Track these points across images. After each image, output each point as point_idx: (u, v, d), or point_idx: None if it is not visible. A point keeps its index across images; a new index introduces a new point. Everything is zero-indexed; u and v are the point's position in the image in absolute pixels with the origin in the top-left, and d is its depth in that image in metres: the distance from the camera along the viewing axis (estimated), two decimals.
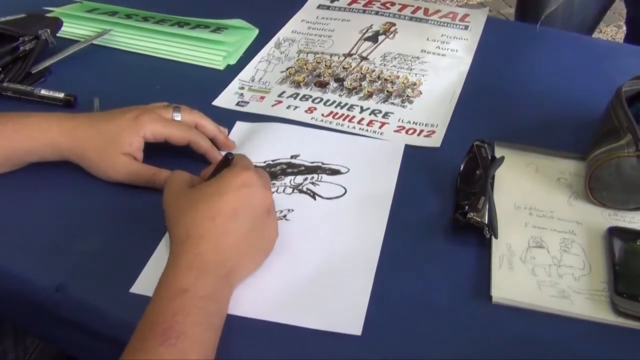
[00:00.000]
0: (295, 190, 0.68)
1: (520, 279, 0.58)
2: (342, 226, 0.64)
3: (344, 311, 0.55)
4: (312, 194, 0.68)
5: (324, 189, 0.68)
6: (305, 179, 0.70)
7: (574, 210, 0.66)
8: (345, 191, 0.68)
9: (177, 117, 0.70)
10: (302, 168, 0.71)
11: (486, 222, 0.60)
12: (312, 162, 0.72)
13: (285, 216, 0.65)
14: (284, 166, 0.71)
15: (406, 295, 0.57)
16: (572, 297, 0.56)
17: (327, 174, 0.70)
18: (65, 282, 0.58)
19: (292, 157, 0.73)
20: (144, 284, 0.57)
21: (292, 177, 0.70)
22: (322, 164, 0.72)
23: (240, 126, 0.78)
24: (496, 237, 0.61)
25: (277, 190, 0.68)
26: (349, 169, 0.71)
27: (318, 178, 0.70)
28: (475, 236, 0.61)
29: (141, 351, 0.46)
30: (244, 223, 0.55)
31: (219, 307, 0.52)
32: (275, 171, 0.70)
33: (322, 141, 0.76)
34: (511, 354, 0.52)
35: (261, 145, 0.74)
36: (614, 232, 0.62)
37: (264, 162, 0.72)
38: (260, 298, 0.56)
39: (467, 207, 0.61)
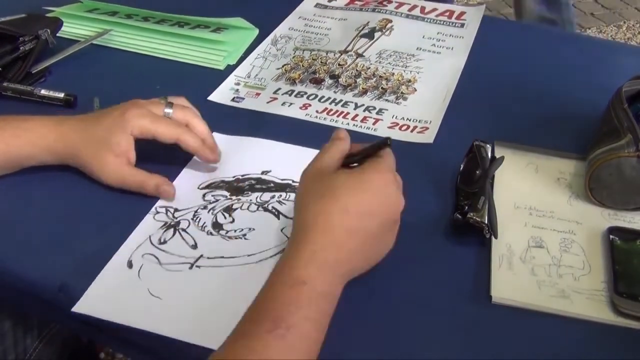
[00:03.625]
0: (260, 208, 0.65)
1: (520, 279, 0.58)
2: None
3: None
4: (276, 212, 0.65)
5: (290, 209, 0.65)
6: (273, 197, 0.67)
7: (574, 210, 0.66)
8: None
9: (169, 112, 0.68)
10: (272, 185, 0.68)
11: (486, 222, 0.60)
12: (283, 180, 0.69)
13: (244, 235, 0.62)
14: (253, 182, 0.68)
15: (406, 295, 0.57)
16: (572, 297, 0.56)
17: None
18: (66, 282, 0.58)
19: (262, 172, 0.70)
20: (89, 302, 0.55)
21: (260, 194, 0.67)
22: (293, 181, 0.68)
23: (215, 137, 0.72)
24: (496, 237, 0.61)
25: (240, 207, 0.65)
26: None
27: (286, 197, 0.67)
28: (475, 236, 0.61)
29: (249, 336, 0.44)
30: (375, 225, 0.52)
31: (330, 308, 0.49)
32: (242, 186, 0.68)
33: (296, 157, 0.69)
34: (511, 354, 0.52)
35: (232, 159, 0.71)
36: (614, 232, 0.62)
37: (233, 177, 0.69)
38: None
39: (467, 207, 0.61)
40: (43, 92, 0.81)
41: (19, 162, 0.67)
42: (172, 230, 0.62)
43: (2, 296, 0.68)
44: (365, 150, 0.57)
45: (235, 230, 0.63)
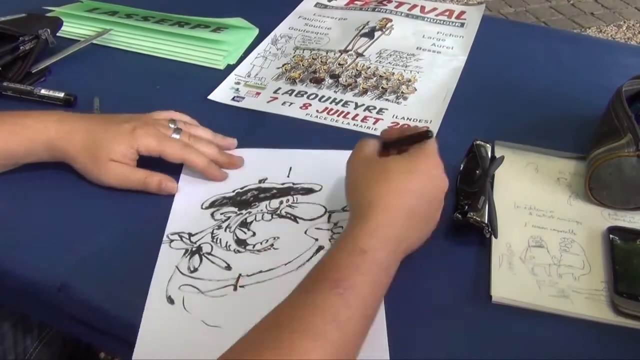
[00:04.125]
0: (274, 216, 0.65)
1: (520, 279, 0.58)
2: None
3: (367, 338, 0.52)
4: (292, 217, 0.65)
5: (303, 211, 0.65)
6: (281, 203, 0.66)
7: (573, 210, 0.66)
8: (326, 210, 0.65)
9: (177, 137, 0.68)
10: (274, 191, 0.68)
11: (486, 221, 0.60)
12: (283, 184, 0.69)
13: (272, 245, 0.62)
14: (255, 192, 0.68)
15: (406, 295, 0.57)
16: (571, 297, 0.56)
17: (302, 194, 0.67)
18: (66, 282, 0.58)
19: (260, 181, 0.69)
20: (146, 350, 0.53)
21: (267, 202, 0.66)
22: (293, 184, 0.69)
23: None
24: (496, 237, 0.61)
25: (255, 219, 0.64)
26: (322, 186, 0.68)
27: (294, 200, 0.67)
28: (475, 236, 0.61)
29: (311, 292, 0.48)
30: (425, 206, 0.57)
31: (386, 280, 0.53)
32: (247, 199, 0.67)
33: (288, 160, 0.72)
34: (511, 354, 0.52)
35: (228, 176, 0.70)
36: (614, 232, 0.62)
37: (233, 191, 0.68)
38: None
39: (467, 207, 0.61)
40: (43, 91, 0.81)
41: (17, 158, 0.67)
42: (197, 256, 0.60)
43: (1, 296, 0.68)
44: (407, 139, 0.61)
45: (261, 243, 0.62)
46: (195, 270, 0.59)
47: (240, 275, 0.59)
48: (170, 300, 0.56)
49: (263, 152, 0.74)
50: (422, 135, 0.60)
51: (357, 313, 0.48)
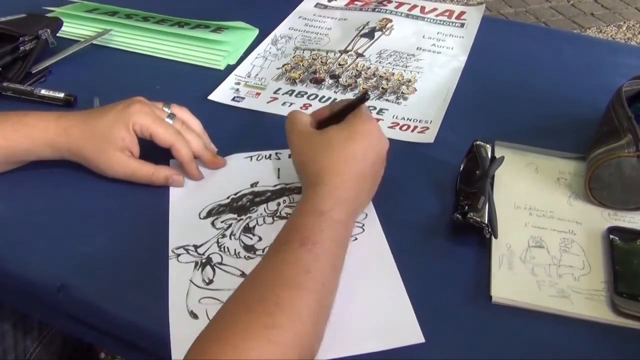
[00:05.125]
0: (275, 218, 0.65)
1: (520, 279, 0.58)
2: None
3: (396, 324, 0.54)
4: None
5: None
6: (279, 204, 0.66)
7: (574, 210, 0.66)
8: None
9: (169, 122, 0.69)
10: (269, 194, 0.68)
11: (486, 222, 0.60)
12: (275, 186, 0.69)
13: None
14: (250, 196, 0.67)
15: (406, 293, 0.57)
16: (571, 297, 0.56)
17: (296, 194, 0.67)
18: (66, 282, 0.58)
19: (252, 185, 0.69)
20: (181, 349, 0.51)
21: (264, 205, 0.66)
22: (286, 184, 0.69)
23: (177, 167, 0.70)
24: (496, 237, 0.61)
25: (257, 223, 0.64)
26: None
27: (290, 200, 0.67)
28: (475, 236, 0.61)
29: (283, 252, 0.53)
30: (370, 167, 0.61)
31: (347, 234, 0.58)
32: (243, 204, 0.66)
33: (275, 162, 0.72)
34: (511, 354, 0.52)
35: (218, 181, 0.70)
36: (614, 232, 0.62)
37: (227, 198, 0.67)
38: None
39: (467, 207, 0.61)
40: (43, 92, 0.81)
41: (17, 156, 0.67)
42: (209, 267, 0.60)
43: (2, 296, 0.68)
44: (344, 108, 0.64)
45: (269, 246, 0.62)
46: (211, 281, 0.58)
47: None
48: (194, 315, 0.55)
49: (247, 156, 0.73)
50: (354, 104, 0.63)
51: (327, 264, 0.53)
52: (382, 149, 0.62)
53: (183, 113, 0.71)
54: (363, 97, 0.63)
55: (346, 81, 0.88)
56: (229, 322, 0.47)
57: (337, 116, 0.64)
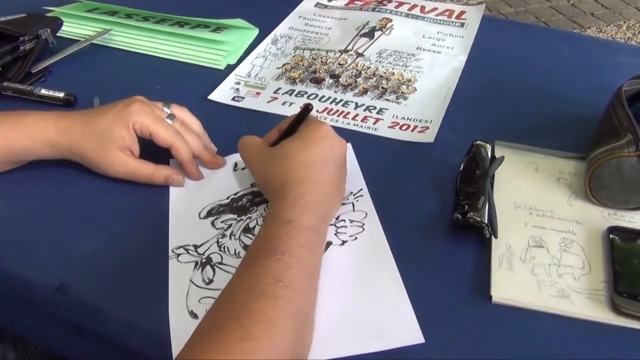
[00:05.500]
0: None
1: (520, 279, 0.58)
2: (340, 241, 0.62)
3: (396, 324, 0.54)
4: None
5: None
6: None
7: (573, 210, 0.66)
8: None
9: (169, 122, 0.69)
10: None
11: (486, 221, 0.60)
12: None
13: None
14: (250, 196, 0.68)
15: (406, 293, 0.57)
16: (571, 297, 0.56)
17: None
18: (65, 282, 0.58)
19: (252, 185, 0.69)
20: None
21: (264, 205, 0.66)
22: None
23: (177, 166, 0.70)
24: (496, 237, 0.61)
25: (257, 223, 0.64)
26: None
27: None
28: (475, 236, 0.61)
29: (252, 265, 0.53)
30: (331, 170, 0.61)
31: (319, 238, 0.58)
32: (243, 204, 0.67)
33: None
34: (511, 354, 0.52)
35: (218, 181, 0.70)
36: (614, 232, 0.62)
37: (227, 198, 0.68)
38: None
39: (467, 207, 0.61)
40: (43, 91, 0.81)
41: (18, 156, 0.67)
42: (209, 267, 0.60)
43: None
44: (292, 124, 0.65)
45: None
46: (211, 281, 0.58)
47: None
48: (194, 315, 0.55)
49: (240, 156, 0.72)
50: (302, 116, 0.64)
51: (300, 270, 0.52)
52: (340, 151, 0.63)
53: (183, 113, 0.71)
54: (307, 109, 0.64)
55: (346, 81, 0.88)
56: (205, 340, 0.46)
57: (287, 133, 0.64)
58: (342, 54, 0.94)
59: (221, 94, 0.85)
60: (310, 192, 0.58)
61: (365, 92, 0.85)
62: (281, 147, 0.62)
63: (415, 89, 0.86)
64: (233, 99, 0.84)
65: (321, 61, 0.92)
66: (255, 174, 0.65)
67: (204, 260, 0.60)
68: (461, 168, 0.68)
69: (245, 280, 0.51)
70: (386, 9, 1.06)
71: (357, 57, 0.93)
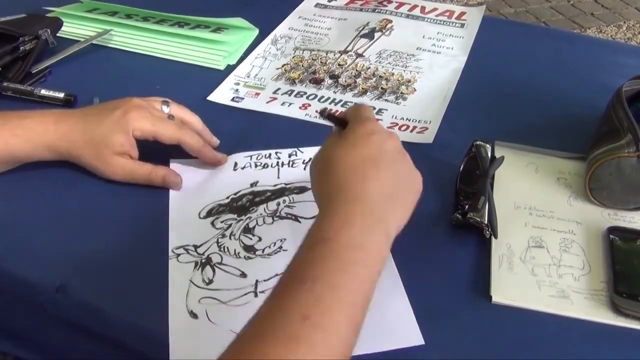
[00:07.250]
0: (275, 218, 0.65)
1: (520, 279, 0.58)
2: None
3: (395, 326, 0.54)
4: (293, 217, 0.65)
5: (302, 210, 0.65)
6: (279, 204, 0.66)
7: (573, 210, 0.66)
8: None
9: (166, 110, 0.69)
10: (269, 194, 0.67)
11: (486, 222, 0.60)
12: (275, 185, 0.68)
13: (280, 247, 0.61)
14: (250, 196, 0.67)
15: (406, 295, 0.57)
16: (571, 297, 0.56)
17: (296, 193, 0.67)
18: (65, 282, 0.58)
19: (252, 185, 0.69)
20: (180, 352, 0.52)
21: (264, 205, 0.66)
22: (285, 184, 0.69)
23: (177, 167, 0.70)
24: (496, 237, 0.61)
25: (257, 223, 0.64)
26: None
27: (291, 200, 0.66)
28: (475, 236, 0.61)
29: (278, 296, 0.45)
30: (383, 168, 0.53)
31: (367, 258, 0.48)
32: (243, 204, 0.66)
33: (275, 161, 0.72)
34: (511, 354, 0.52)
35: (218, 181, 0.70)
36: (614, 232, 0.62)
37: (227, 198, 0.67)
38: None
39: (466, 207, 0.61)
40: (43, 92, 0.81)
41: (18, 158, 0.68)
42: (209, 267, 0.60)
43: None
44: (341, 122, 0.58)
45: (269, 247, 0.62)
46: (211, 281, 0.58)
47: (257, 281, 0.58)
48: (193, 315, 0.55)
49: (247, 155, 0.73)
50: (342, 122, 0.58)
51: (334, 302, 0.44)
52: (394, 144, 0.55)
53: (181, 111, 0.71)
54: (344, 120, 0.58)
55: (345, 81, 0.88)
56: None
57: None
58: (341, 54, 0.94)
59: (221, 95, 0.85)
60: (354, 199, 0.50)
61: (364, 92, 0.85)
62: (327, 152, 0.55)
63: (415, 90, 0.86)
64: (232, 99, 0.84)
65: (321, 62, 0.92)
66: (312, 187, 0.57)
67: (203, 261, 0.60)
68: (461, 168, 0.68)
69: (267, 316, 0.44)
70: (386, 10, 1.06)
71: (356, 57, 0.93)
